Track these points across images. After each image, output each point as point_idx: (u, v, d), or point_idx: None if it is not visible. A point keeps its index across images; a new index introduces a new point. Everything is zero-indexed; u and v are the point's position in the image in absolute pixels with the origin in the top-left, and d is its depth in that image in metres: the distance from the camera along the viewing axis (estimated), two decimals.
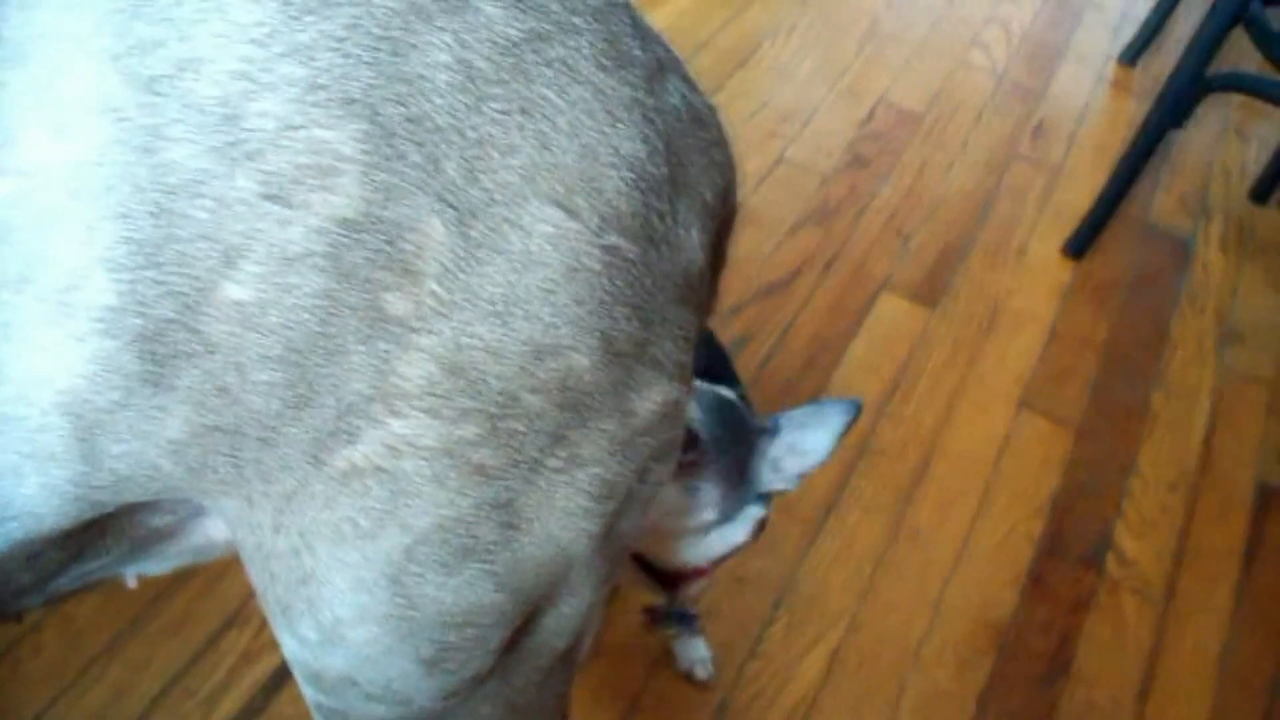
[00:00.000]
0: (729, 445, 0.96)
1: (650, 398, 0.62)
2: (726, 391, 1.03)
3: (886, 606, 1.52)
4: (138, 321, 0.48)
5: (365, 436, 0.55)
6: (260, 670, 1.36)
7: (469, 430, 0.56)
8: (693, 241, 0.62)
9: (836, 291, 1.95)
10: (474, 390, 0.55)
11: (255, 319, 0.50)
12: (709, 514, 0.97)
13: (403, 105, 0.50)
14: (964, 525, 1.62)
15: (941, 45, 2.53)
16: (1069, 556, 1.60)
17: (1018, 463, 1.71)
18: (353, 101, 0.49)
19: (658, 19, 2.51)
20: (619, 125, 0.56)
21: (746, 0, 2.62)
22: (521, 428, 0.57)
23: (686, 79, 0.65)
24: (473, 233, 0.53)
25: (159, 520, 0.66)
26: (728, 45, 2.48)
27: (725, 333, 1.85)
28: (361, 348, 0.52)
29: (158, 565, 0.72)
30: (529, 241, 0.54)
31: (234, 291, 0.49)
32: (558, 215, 0.54)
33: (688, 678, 1.42)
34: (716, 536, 1.01)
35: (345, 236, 0.50)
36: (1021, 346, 1.88)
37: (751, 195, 2.11)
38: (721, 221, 0.68)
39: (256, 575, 0.62)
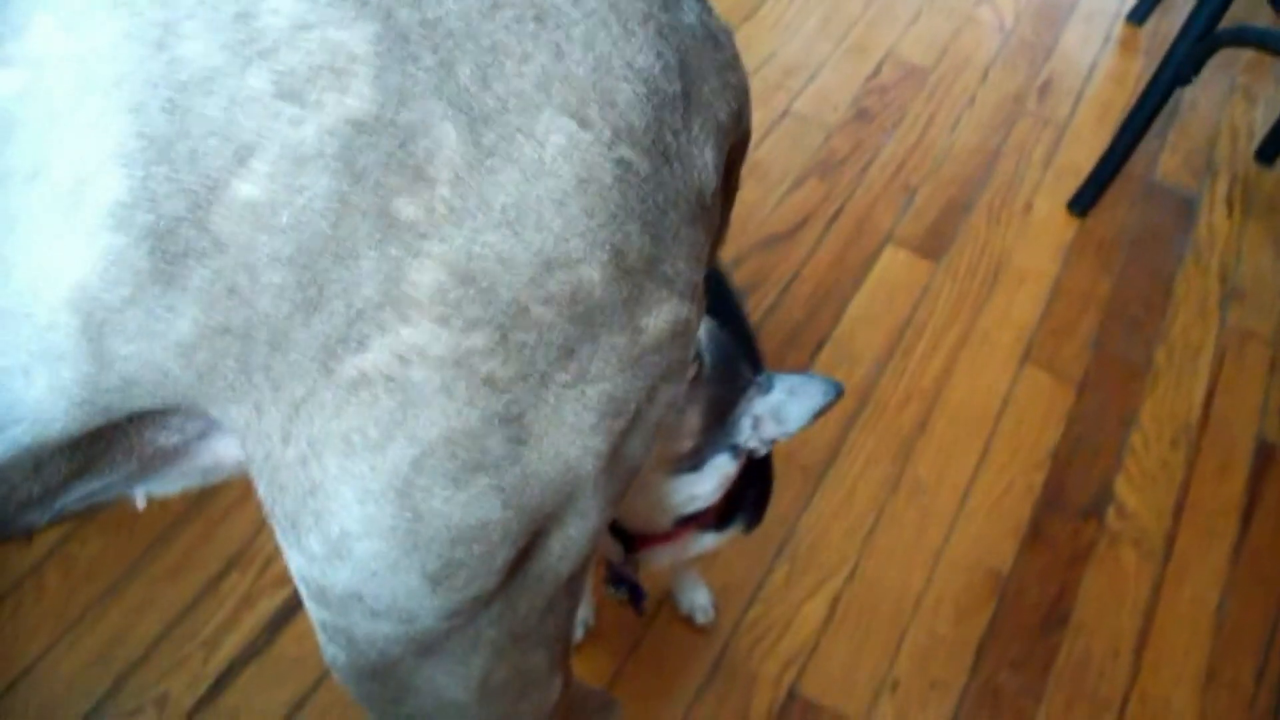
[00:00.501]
0: (720, 381, 0.96)
1: (660, 315, 0.62)
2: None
3: (887, 556, 1.52)
4: (149, 217, 0.48)
5: (375, 344, 0.54)
6: (262, 611, 1.36)
7: (478, 340, 0.55)
8: (706, 160, 0.62)
9: (840, 244, 1.94)
10: (484, 299, 0.55)
11: (266, 219, 0.50)
12: (685, 442, 0.97)
13: (417, 8, 0.50)
14: (965, 478, 1.62)
15: (949, 1, 2.51)
16: (1069, 509, 1.60)
17: (1019, 417, 1.71)
18: (366, 3, 0.49)
19: None
20: (633, 38, 0.56)
21: None
22: (531, 340, 0.57)
23: (703, 1, 0.64)
24: (485, 140, 0.52)
25: (167, 438, 0.66)
26: (733, 0, 2.46)
27: None
28: (372, 252, 0.52)
29: (166, 485, 0.72)
30: (541, 151, 0.54)
31: (245, 190, 0.49)
32: (570, 126, 0.54)
33: (688, 622, 1.42)
34: (682, 484, 1.01)
35: (357, 138, 0.50)
36: (1024, 302, 1.88)
37: (756, 148, 2.10)
38: (735, 145, 0.68)
39: (265, 488, 0.62)
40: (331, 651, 0.71)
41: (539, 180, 0.54)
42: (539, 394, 0.59)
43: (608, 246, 0.57)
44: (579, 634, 1.38)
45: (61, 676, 1.30)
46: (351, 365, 0.55)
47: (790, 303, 1.84)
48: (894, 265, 1.92)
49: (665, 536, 1.10)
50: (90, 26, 0.46)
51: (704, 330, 0.95)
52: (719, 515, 1.11)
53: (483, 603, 0.68)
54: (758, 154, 2.09)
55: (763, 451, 1.01)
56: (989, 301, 1.87)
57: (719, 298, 1.25)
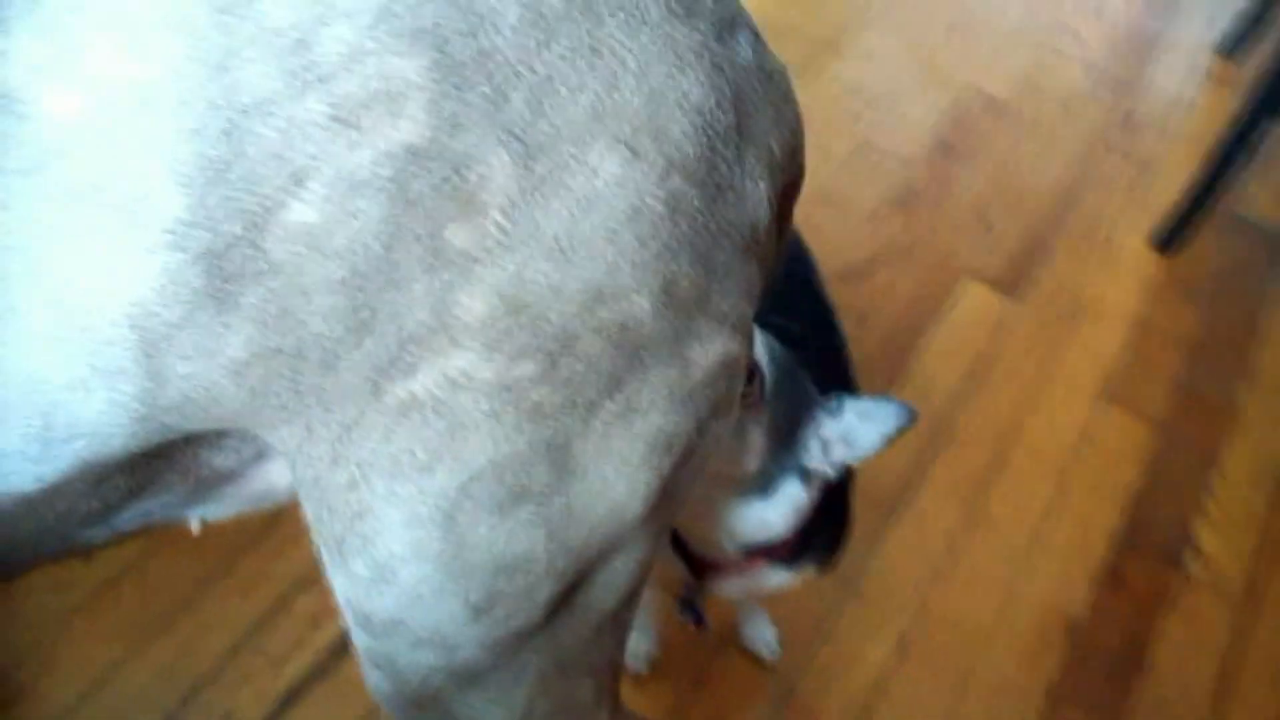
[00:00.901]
0: (785, 399, 0.95)
1: (711, 349, 0.62)
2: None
3: (958, 594, 1.50)
4: (206, 236, 0.49)
5: (425, 368, 0.55)
6: (330, 632, 1.38)
7: (527, 367, 0.56)
8: (759, 194, 0.62)
9: (917, 278, 1.93)
10: (534, 327, 0.55)
11: (320, 241, 0.50)
12: (750, 461, 0.95)
13: (472, 38, 0.51)
14: (1040, 516, 1.59)
15: (1032, 32, 2.48)
16: (1147, 551, 1.56)
17: (1097, 455, 1.68)
18: (423, 32, 0.50)
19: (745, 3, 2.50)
20: (687, 70, 0.56)
21: None
22: (580, 369, 0.57)
23: (757, 36, 0.65)
24: (538, 168, 0.53)
25: (222, 460, 0.67)
26: (815, 31, 2.46)
27: None
28: (424, 277, 0.53)
29: (220, 509, 0.73)
30: (594, 181, 0.54)
31: (300, 212, 0.50)
32: (623, 156, 0.54)
33: (754, 657, 1.41)
34: (752, 510, 1.00)
35: (411, 164, 0.51)
36: (1105, 339, 1.85)
37: (833, 178, 2.10)
38: (788, 180, 0.68)
39: (313, 511, 0.62)
40: (375, 679, 0.71)
41: (591, 210, 0.54)
42: (587, 423, 0.59)
43: (659, 277, 0.57)
44: (642, 667, 1.38)
45: (132, 688, 1.32)
46: (402, 388, 0.56)
47: (866, 336, 1.83)
48: (972, 299, 1.90)
49: (735, 566, 1.09)
50: (151, 49, 0.48)
51: (763, 348, 0.95)
52: (791, 551, 1.10)
53: (525, 635, 0.68)
54: (835, 184, 2.08)
55: (833, 475, 0.99)
56: (1069, 337, 1.84)
57: (818, 317, 1.25)
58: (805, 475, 0.98)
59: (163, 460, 0.66)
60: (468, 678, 0.70)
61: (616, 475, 0.62)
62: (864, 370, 1.75)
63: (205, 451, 0.66)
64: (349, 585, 0.65)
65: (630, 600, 0.75)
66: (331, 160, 0.49)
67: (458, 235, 0.53)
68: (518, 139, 0.52)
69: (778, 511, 0.99)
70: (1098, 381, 1.78)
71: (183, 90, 0.48)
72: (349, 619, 0.68)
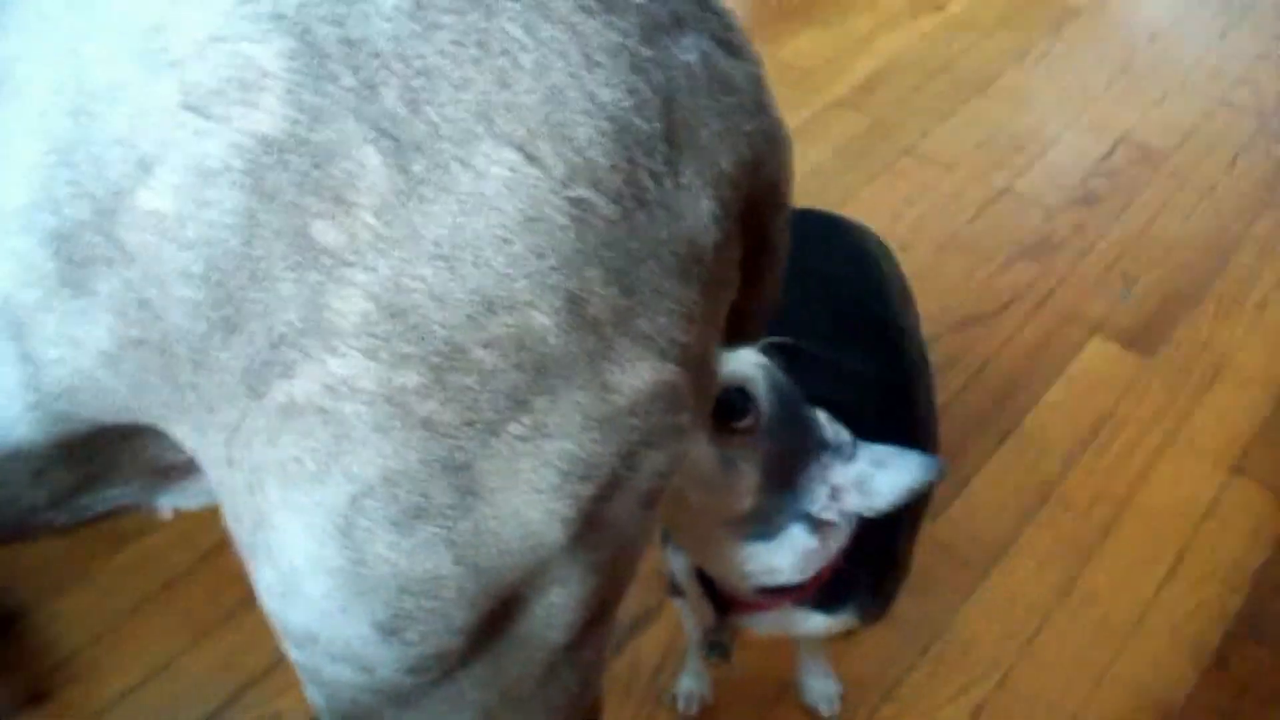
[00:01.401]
0: (785, 437, 0.90)
1: (637, 374, 0.58)
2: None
3: (1045, 667, 1.40)
4: (52, 220, 0.48)
5: (302, 371, 0.53)
6: None
7: (411, 378, 0.53)
8: (700, 211, 0.57)
9: (1044, 331, 1.83)
10: (415, 335, 0.52)
11: (173, 231, 0.49)
12: (742, 500, 0.90)
13: (339, 25, 0.48)
14: (1148, 592, 1.48)
15: (1204, 82, 2.35)
16: (1265, 641, 1.43)
17: (1222, 531, 1.55)
18: (283, 18, 0.48)
19: (894, 43, 2.44)
20: (597, 69, 0.52)
21: (996, 24, 2.52)
22: (472, 384, 0.54)
23: (721, 40, 0.60)
24: (415, 167, 0.50)
25: (175, 456, 0.67)
26: (967, 70, 2.38)
27: None
28: (291, 275, 0.51)
29: (186, 500, 0.73)
30: (481, 183, 0.51)
31: (151, 201, 0.48)
32: (515, 158, 0.51)
33: (812, 713, 1.35)
34: (756, 553, 0.95)
35: (266, 155, 0.49)
36: (1244, 407, 1.71)
37: (966, 224, 2.01)
38: (756, 198, 0.63)
39: (227, 516, 0.61)
40: (310, 693, 0.69)
41: (477, 214, 0.51)
42: (488, 444, 0.56)
43: (561, 292, 0.53)
44: (691, 709, 1.33)
45: (188, 678, 1.35)
46: (281, 391, 0.54)
47: (981, 388, 1.74)
48: (1100, 357, 1.79)
49: (757, 604, 1.04)
50: (4, 33, 0.47)
51: (763, 379, 0.90)
52: (823, 595, 1.04)
53: (451, 661, 0.65)
54: (969, 230, 2.00)
55: (842, 525, 0.93)
56: (1203, 403, 1.71)
57: (891, 358, 1.18)
58: (812, 522, 0.92)
59: (105, 454, 0.66)
60: (399, 700, 0.68)
61: (527, 502, 0.58)
62: (975, 424, 1.67)
63: (153, 446, 0.66)
64: (265, 595, 0.63)
65: (585, 638, 0.71)
66: (180, 148, 0.48)
67: (325, 234, 0.50)
68: (389, 136, 0.49)
69: (783, 558, 0.94)
70: (1229, 451, 1.64)
71: (31, 72, 0.47)
72: (274, 627, 0.66)
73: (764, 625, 1.09)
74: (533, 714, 0.73)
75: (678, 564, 1.10)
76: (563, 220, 0.52)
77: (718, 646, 1.10)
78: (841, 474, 0.91)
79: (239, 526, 0.60)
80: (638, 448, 0.61)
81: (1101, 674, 1.39)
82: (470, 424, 0.55)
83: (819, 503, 0.91)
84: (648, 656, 1.41)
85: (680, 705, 1.33)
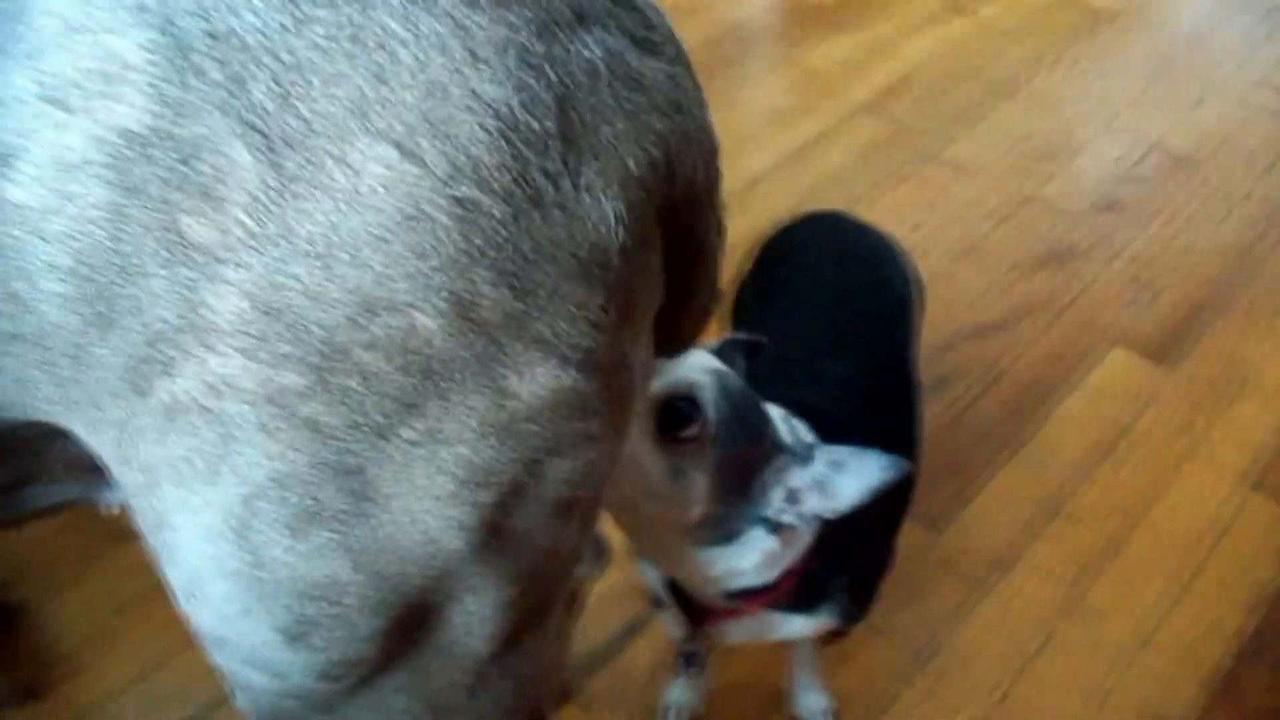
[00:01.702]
0: (736, 443, 0.88)
1: (535, 380, 0.56)
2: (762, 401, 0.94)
3: (1046, 686, 1.36)
4: None
5: (182, 369, 0.52)
6: None
7: (292, 379, 0.52)
8: (603, 213, 0.55)
9: (1061, 341, 1.78)
10: (293, 335, 0.51)
11: (37, 224, 0.48)
12: (694, 508, 0.88)
13: (204, 19, 0.47)
14: (1155, 610, 1.43)
15: (1240, 89, 2.29)
16: (1273, 661, 1.38)
17: (1236, 549, 1.50)
18: (145, 9, 0.47)
19: (920, 48, 2.41)
20: (481, 66, 0.51)
21: (1027, 29, 2.47)
22: (356, 386, 0.52)
23: (635, 38, 0.58)
24: (287, 164, 0.49)
25: (88, 452, 0.66)
26: (996, 75, 2.34)
27: (928, 372, 1.72)
28: (162, 271, 0.50)
29: (121, 496, 0.72)
30: (357, 181, 0.49)
31: (13, 193, 0.48)
32: (392, 155, 0.49)
33: None
34: (716, 557, 0.93)
35: (130, 149, 0.48)
36: (1267, 423, 1.66)
37: (984, 230, 1.97)
38: (671, 200, 0.61)
39: (134, 515, 0.60)
40: (236, 697, 0.68)
41: (353, 212, 0.49)
42: (379, 448, 0.54)
43: (445, 294, 0.51)
44: None
45: (178, 678, 1.35)
46: (164, 390, 0.53)
47: (994, 398, 1.70)
48: (1119, 368, 1.74)
49: (730, 611, 1.02)
50: None
51: (711, 384, 0.88)
52: (799, 596, 1.02)
53: (365, 668, 0.64)
54: (986, 237, 1.96)
55: (803, 528, 0.91)
56: (1224, 417, 1.66)
57: (879, 363, 1.17)
58: (769, 525, 0.90)
59: (27, 452, 0.65)
60: (321, 706, 0.67)
61: (425, 509, 0.57)
62: (983, 434, 1.64)
63: (73, 443, 0.65)
64: (177, 597, 0.62)
65: (513, 648, 0.70)
66: (40, 140, 0.47)
67: (195, 230, 0.49)
68: (258, 131, 0.48)
69: (745, 560, 0.92)
70: (1245, 466, 1.59)
71: None
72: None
73: (740, 633, 1.07)
74: None
75: (651, 575, 1.08)
76: (445, 220, 0.50)
77: (692, 657, 1.08)
78: (799, 477, 0.89)
79: (144, 525, 0.59)
80: (541, 455, 0.59)
81: (1105, 695, 1.35)
82: (357, 427, 0.54)
83: (775, 506, 0.89)
84: (638, 668, 1.39)
85: (669, 718, 1.31)
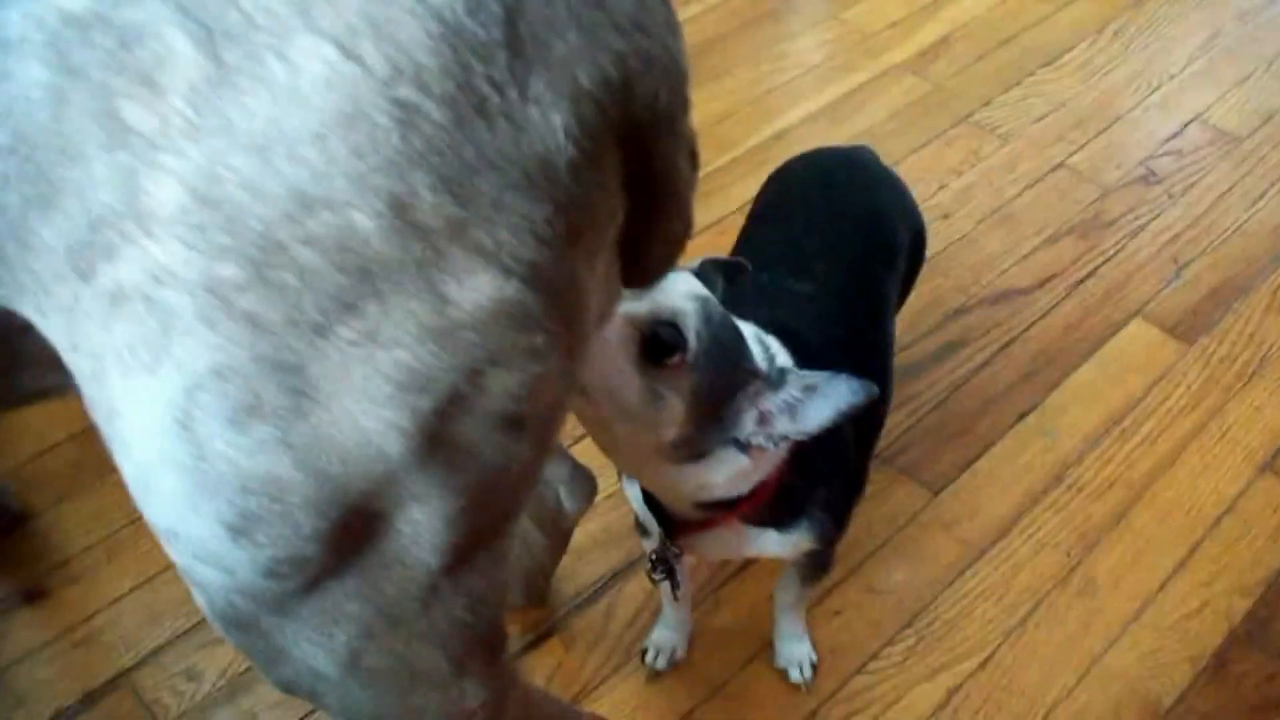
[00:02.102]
0: (714, 369, 0.88)
1: (474, 288, 0.56)
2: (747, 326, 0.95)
3: (1031, 653, 1.35)
4: None
5: (124, 255, 0.52)
6: None
7: (230, 270, 0.52)
8: (553, 125, 0.55)
9: (1081, 310, 1.76)
10: (231, 227, 0.51)
11: None
12: (669, 430, 0.89)
13: None
14: (1152, 585, 1.41)
15: None
16: (1269, 648, 1.36)
17: (1240, 531, 1.47)
18: None
19: (965, 9, 2.37)
20: None
21: None
22: (294, 281, 0.52)
23: None
24: (227, 56, 0.49)
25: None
26: (1037, 41, 2.29)
27: (936, 337, 1.71)
28: (103, 155, 0.50)
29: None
30: (297, 78, 0.49)
31: None
32: (333, 54, 0.49)
33: (782, 675, 1.32)
34: (686, 472, 0.94)
35: (68, 30, 0.48)
36: None
37: (1015, 197, 1.94)
38: (631, 121, 0.60)
39: (87, 405, 0.61)
40: (195, 595, 0.69)
41: (292, 108, 0.49)
42: (317, 347, 0.55)
43: (383, 195, 0.52)
44: (661, 664, 1.31)
45: (176, 589, 1.37)
46: (107, 276, 0.53)
47: (1005, 363, 1.68)
48: (1137, 341, 1.71)
49: (703, 523, 1.03)
50: None
51: (694, 311, 0.88)
52: (773, 513, 1.04)
53: (312, 569, 0.64)
54: (1017, 204, 1.93)
55: (773, 449, 0.92)
56: (1241, 396, 1.63)
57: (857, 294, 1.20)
58: (740, 445, 0.91)
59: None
60: (273, 606, 0.67)
61: (363, 410, 0.57)
62: (991, 399, 1.62)
63: (30, 335, 0.65)
64: (130, 489, 0.63)
65: (464, 564, 0.70)
66: None
67: (135, 115, 0.49)
68: (198, 21, 0.48)
69: (716, 475, 0.94)
70: (1261, 449, 1.56)
71: None
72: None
73: (713, 546, 1.09)
74: (420, 638, 0.73)
75: (631, 489, 1.09)
76: (385, 121, 0.51)
77: (661, 563, 1.09)
78: (770, 400, 0.90)
79: (97, 415, 0.60)
80: (483, 366, 0.59)
81: (1089, 665, 1.34)
82: (295, 323, 0.54)
83: (747, 429, 0.91)
84: (623, 608, 1.39)
85: (649, 658, 1.32)
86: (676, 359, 0.86)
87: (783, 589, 1.30)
